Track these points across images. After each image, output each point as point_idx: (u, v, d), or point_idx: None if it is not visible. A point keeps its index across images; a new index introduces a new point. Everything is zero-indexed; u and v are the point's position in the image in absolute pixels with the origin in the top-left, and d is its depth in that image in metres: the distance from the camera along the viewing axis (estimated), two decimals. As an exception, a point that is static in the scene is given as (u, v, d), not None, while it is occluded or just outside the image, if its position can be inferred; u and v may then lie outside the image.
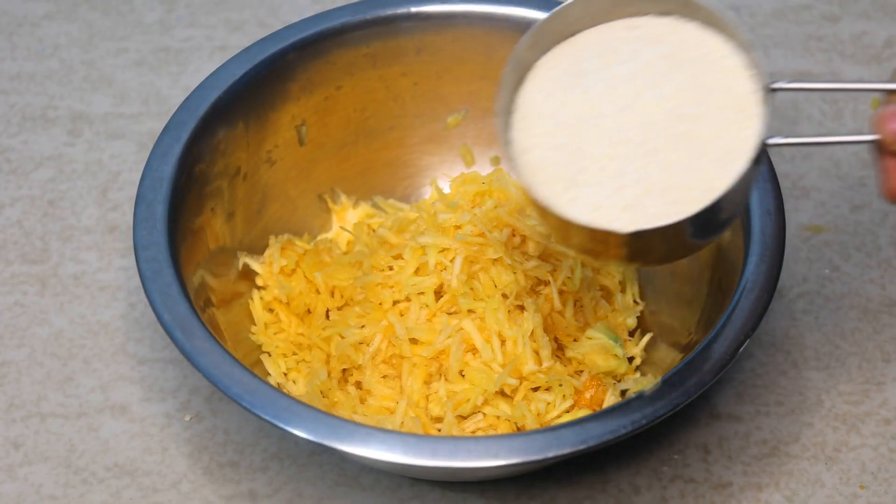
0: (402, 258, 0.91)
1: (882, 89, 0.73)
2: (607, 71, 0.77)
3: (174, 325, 0.82)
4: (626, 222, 0.73)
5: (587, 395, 0.88)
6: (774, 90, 0.73)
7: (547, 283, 0.91)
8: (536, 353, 0.87)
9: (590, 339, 0.90)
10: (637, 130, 0.75)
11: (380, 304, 0.90)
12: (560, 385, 0.87)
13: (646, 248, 0.75)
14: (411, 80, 0.98)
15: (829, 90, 0.81)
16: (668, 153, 0.74)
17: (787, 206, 0.87)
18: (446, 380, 0.87)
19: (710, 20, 0.75)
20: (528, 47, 0.77)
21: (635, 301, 0.96)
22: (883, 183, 0.70)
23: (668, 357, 0.90)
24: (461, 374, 0.87)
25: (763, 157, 0.73)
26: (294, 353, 0.91)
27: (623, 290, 0.95)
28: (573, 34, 0.78)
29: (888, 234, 1.01)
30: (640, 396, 0.78)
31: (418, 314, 0.89)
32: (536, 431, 0.78)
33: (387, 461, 0.77)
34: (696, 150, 0.74)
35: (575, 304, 0.92)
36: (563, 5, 0.77)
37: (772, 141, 0.72)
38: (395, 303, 0.90)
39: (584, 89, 0.77)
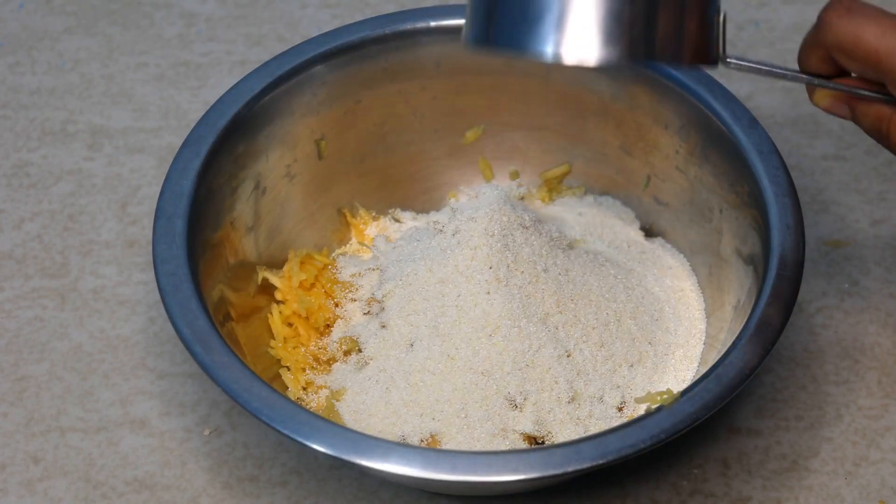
0: (421, 272, 0.91)
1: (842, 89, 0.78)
2: None
3: (193, 340, 0.82)
4: None
5: (606, 410, 0.88)
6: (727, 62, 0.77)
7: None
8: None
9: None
10: None
11: (399, 318, 0.90)
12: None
13: None
14: (430, 94, 0.98)
15: (780, 75, 0.80)
16: None
17: (806, 221, 0.87)
18: (465, 394, 0.87)
19: None
20: None
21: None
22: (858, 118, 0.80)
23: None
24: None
25: None
26: (313, 368, 0.92)
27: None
28: None
29: (908, 248, 1.01)
30: (660, 411, 0.78)
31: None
32: (556, 446, 0.78)
33: (406, 475, 0.77)
34: None
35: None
36: None
37: (730, 60, 0.77)
38: (414, 317, 0.90)
39: None
